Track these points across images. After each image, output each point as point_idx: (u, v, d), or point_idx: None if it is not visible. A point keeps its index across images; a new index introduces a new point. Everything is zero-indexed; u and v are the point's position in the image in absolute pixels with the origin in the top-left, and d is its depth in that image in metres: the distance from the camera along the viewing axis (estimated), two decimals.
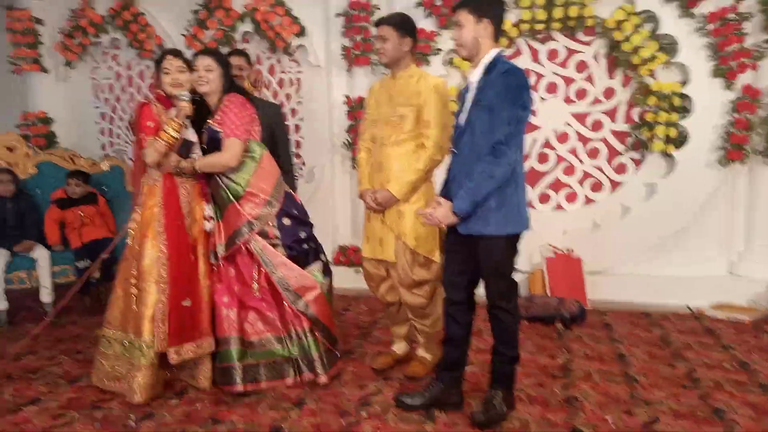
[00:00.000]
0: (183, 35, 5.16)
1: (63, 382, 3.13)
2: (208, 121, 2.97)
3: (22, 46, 5.46)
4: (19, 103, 5.67)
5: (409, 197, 2.92)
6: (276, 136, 3.54)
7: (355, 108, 4.80)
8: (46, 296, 4.27)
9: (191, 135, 2.98)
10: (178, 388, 2.99)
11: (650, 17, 4.17)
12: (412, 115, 2.90)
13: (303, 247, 3.06)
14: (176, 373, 3.04)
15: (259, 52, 5.18)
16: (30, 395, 2.96)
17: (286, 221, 3.03)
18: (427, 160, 2.88)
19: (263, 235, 2.97)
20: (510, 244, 2.48)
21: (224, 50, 5.07)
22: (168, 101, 2.98)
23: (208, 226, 3.03)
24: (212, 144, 2.95)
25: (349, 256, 4.98)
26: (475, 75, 2.49)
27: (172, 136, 2.85)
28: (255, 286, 2.98)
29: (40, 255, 4.26)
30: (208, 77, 2.94)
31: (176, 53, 3.00)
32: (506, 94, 2.34)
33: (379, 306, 4.32)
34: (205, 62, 2.95)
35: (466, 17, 2.46)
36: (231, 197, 2.96)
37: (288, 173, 3.61)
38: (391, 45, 2.91)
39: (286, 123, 3.78)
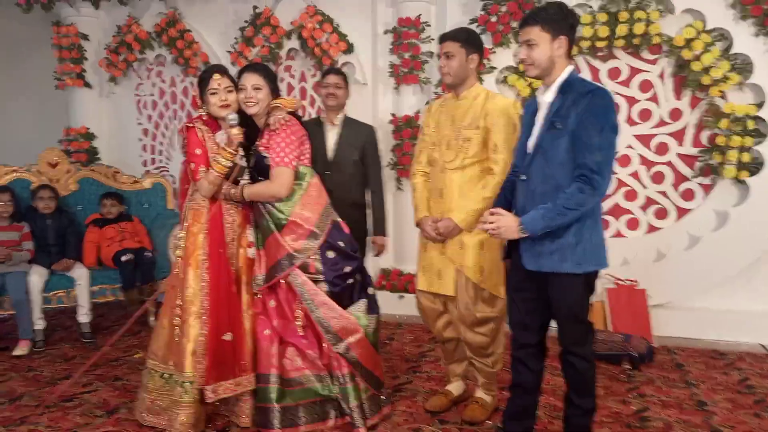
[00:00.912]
0: (229, 52, 5.07)
1: (100, 412, 2.96)
2: (256, 143, 2.76)
3: (67, 61, 5.43)
4: (62, 119, 5.64)
5: (474, 227, 2.69)
6: (366, 158, 3.43)
7: (402, 127, 4.63)
8: (83, 316, 4.16)
9: (240, 159, 2.80)
10: (221, 424, 2.81)
11: (722, 35, 3.92)
12: (477, 139, 2.69)
13: (347, 283, 2.77)
14: (218, 407, 2.86)
15: (304, 69, 5.06)
16: (66, 427, 2.80)
17: (330, 254, 2.74)
18: (495, 186, 2.64)
19: (304, 268, 2.70)
20: (587, 283, 2.24)
21: (272, 68, 5.06)
22: (214, 123, 2.80)
23: (251, 252, 2.83)
24: (259, 168, 2.74)
25: (392, 281, 4.77)
26: (549, 95, 2.25)
27: (225, 166, 2.67)
28: (299, 322, 2.74)
29: (80, 274, 4.15)
30: (257, 97, 2.70)
31: (224, 71, 2.76)
32: (594, 117, 2.10)
33: (426, 335, 4.12)
34: (253, 80, 2.71)
35: (539, 35, 2.22)
36: (273, 227, 2.71)
37: (377, 194, 3.53)
38: (457, 62, 2.70)
39: (378, 145, 3.60)
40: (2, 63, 6.07)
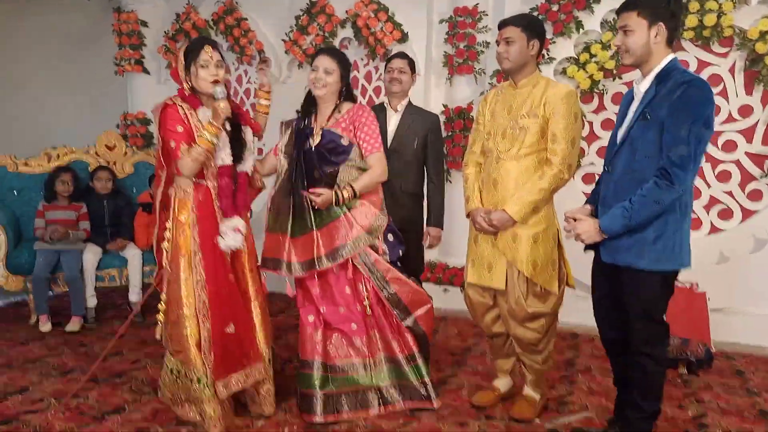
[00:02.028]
0: (283, 40, 5.08)
1: (148, 390, 3.00)
2: (326, 125, 2.76)
3: (127, 47, 5.56)
4: (120, 104, 5.78)
5: (528, 219, 2.60)
6: (427, 147, 3.34)
7: (453, 119, 4.54)
8: (134, 295, 4.25)
9: (224, 141, 2.60)
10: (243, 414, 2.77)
11: None
12: (535, 128, 2.58)
13: (400, 266, 2.84)
14: (241, 397, 2.77)
15: (357, 59, 5.03)
16: (114, 402, 2.86)
17: (390, 237, 2.82)
18: (553, 178, 2.55)
19: (374, 249, 2.76)
20: (665, 282, 2.14)
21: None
22: (196, 100, 2.59)
23: (228, 242, 2.58)
24: (328, 148, 2.73)
25: (437, 274, 4.69)
26: (644, 84, 2.16)
27: (211, 141, 2.48)
28: (366, 303, 2.76)
29: (132, 254, 4.24)
30: (327, 80, 2.71)
31: (215, 44, 2.59)
32: (686, 109, 1.99)
33: (471, 329, 4.04)
34: (326, 63, 2.72)
35: (636, 21, 2.12)
36: (344, 208, 2.72)
37: (436, 185, 3.39)
38: (518, 48, 2.59)
39: (441, 135, 3.52)
40: (65, 50, 6.27)
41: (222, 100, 2.49)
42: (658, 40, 2.10)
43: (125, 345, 3.64)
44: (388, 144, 3.38)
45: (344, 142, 2.73)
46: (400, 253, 2.85)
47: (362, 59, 5.01)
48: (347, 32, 4.92)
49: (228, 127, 2.59)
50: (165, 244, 2.58)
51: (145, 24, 5.57)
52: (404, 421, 2.69)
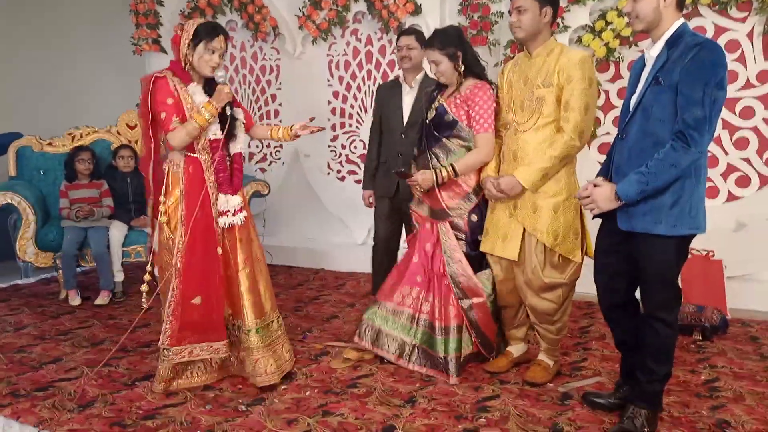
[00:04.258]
0: (297, 16, 5.10)
1: None
2: (441, 99, 2.86)
3: (144, 26, 5.62)
4: (138, 83, 5.85)
5: (539, 187, 2.62)
6: None
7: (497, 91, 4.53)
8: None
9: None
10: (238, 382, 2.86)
11: None
12: (551, 97, 2.57)
13: (479, 249, 2.88)
14: (230, 369, 2.88)
15: (370, 33, 5.04)
16: (144, 370, 2.99)
17: (474, 218, 2.87)
18: (564, 146, 2.55)
19: (456, 226, 2.87)
20: (681, 247, 2.16)
21: (338, 31, 5.07)
22: (187, 75, 2.66)
23: (222, 220, 2.71)
24: (437, 122, 2.84)
25: None
26: (655, 49, 2.15)
27: (207, 120, 2.58)
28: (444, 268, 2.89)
29: None
30: (439, 69, 2.79)
31: (227, 35, 2.68)
32: (699, 71, 1.99)
33: None
34: (432, 56, 2.79)
35: None
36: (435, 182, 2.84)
37: None
38: (530, 16, 2.57)
39: None
40: (86, 30, 6.37)
41: (225, 85, 2.63)
42: (667, 4, 2.09)
43: (152, 317, 3.76)
44: (406, 119, 3.42)
45: (448, 118, 2.81)
46: (479, 238, 2.87)
47: (376, 33, 5.01)
48: (360, 6, 4.93)
49: (228, 111, 2.70)
50: (162, 218, 2.68)
51: (160, 2, 5.61)
52: (420, 385, 2.78)
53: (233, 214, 2.74)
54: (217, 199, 2.72)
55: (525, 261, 2.70)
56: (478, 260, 2.88)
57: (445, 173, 2.79)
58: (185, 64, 2.66)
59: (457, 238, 2.87)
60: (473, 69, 2.84)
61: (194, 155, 2.68)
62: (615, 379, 2.78)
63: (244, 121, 2.86)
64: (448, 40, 2.79)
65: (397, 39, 3.48)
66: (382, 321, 2.98)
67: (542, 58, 2.63)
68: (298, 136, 2.89)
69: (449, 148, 2.84)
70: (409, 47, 3.38)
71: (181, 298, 2.64)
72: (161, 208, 2.67)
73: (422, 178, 2.82)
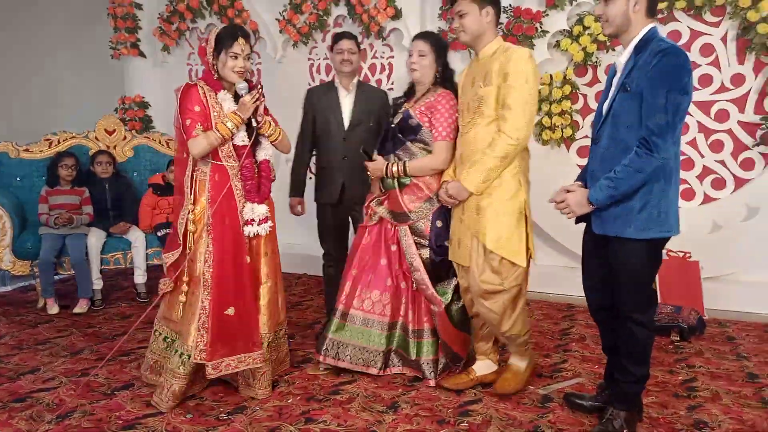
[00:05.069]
0: (277, 20, 5.09)
1: None
2: (407, 105, 2.90)
3: (122, 30, 5.57)
4: (119, 88, 5.81)
5: (484, 189, 2.53)
6: (380, 124, 3.33)
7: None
8: (139, 277, 4.34)
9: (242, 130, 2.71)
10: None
11: None
12: (491, 96, 2.50)
13: (446, 255, 2.85)
14: (234, 379, 2.80)
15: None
16: (123, 379, 2.95)
17: (439, 223, 2.85)
18: (502, 145, 2.46)
19: (417, 230, 2.85)
20: (652, 250, 2.19)
21: (318, 35, 5.06)
22: (218, 84, 2.67)
23: (248, 230, 2.69)
24: (403, 126, 2.87)
25: None
26: (624, 56, 2.19)
27: (230, 130, 2.58)
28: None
29: (136, 237, 4.31)
30: (422, 63, 2.82)
31: (248, 36, 2.65)
32: (662, 78, 2.02)
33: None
34: (419, 46, 2.82)
35: None
36: (395, 184, 2.87)
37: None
38: (471, 19, 2.53)
39: (390, 110, 3.53)
40: (63, 34, 6.29)
41: (247, 95, 2.60)
42: (637, 9, 2.13)
43: (131, 325, 3.72)
44: (347, 124, 3.39)
45: (413, 122, 2.83)
46: (445, 244, 2.84)
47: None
48: (341, 10, 4.93)
49: (253, 122, 2.69)
50: (191, 227, 2.63)
51: (139, 6, 5.57)
52: (403, 391, 2.79)
53: (258, 224, 2.71)
54: (243, 208, 2.69)
55: (471, 266, 2.62)
56: (445, 267, 2.86)
57: (395, 168, 2.82)
58: (214, 73, 2.66)
59: (420, 245, 2.85)
60: (447, 81, 2.89)
61: (220, 163, 2.65)
62: (595, 380, 2.82)
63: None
64: (441, 45, 2.89)
65: (335, 42, 3.42)
66: (351, 335, 2.91)
67: (486, 58, 2.59)
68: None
69: (412, 151, 2.86)
70: (351, 51, 3.37)
71: (214, 310, 2.57)
72: (189, 216, 2.64)
73: (373, 167, 2.88)
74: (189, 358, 2.57)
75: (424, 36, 2.90)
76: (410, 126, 2.85)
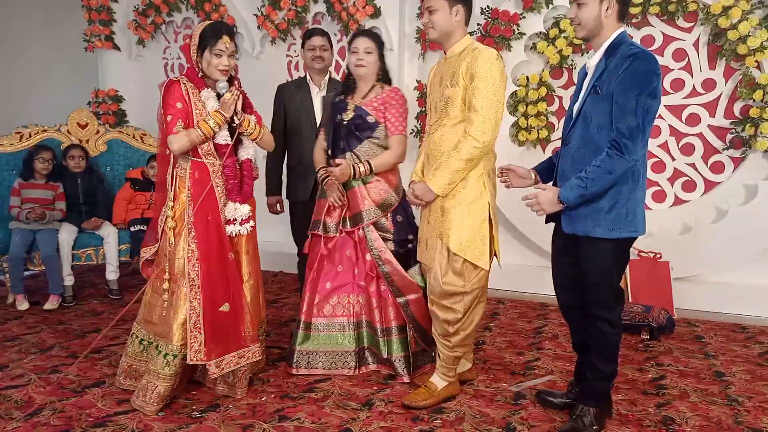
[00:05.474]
0: (255, 15, 5.06)
1: None
2: (353, 102, 2.94)
3: (96, 23, 5.48)
4: (93, 81, 5.71)
5: (449, 191, 2.51)
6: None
7: (426, 94, 4.57)
8: (111, 273, 4.29)
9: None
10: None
11: (761, 2, 3.78)
12: (458, 97, 2.48)
13: (408, 248, 2.95)
14: (209, 381, 2.74)
15: (330, 34, 5.01)
16: (94, 377, 2.91)
17: (400, 218, 2.97)
18: (467, 148, 2.43)
19: (380, 225, 2.93)
20: (620, 249, 2.23)
21: (297, 32, 5.04)
22: (201, 81, 2.62)
23: (230, 229, 2.66)
24: (356, 123, 2.90)
25: None
26: (594, 59, 2.23)
27: (212, 129, 2.55)
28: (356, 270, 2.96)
29: (108, 233, 4.25)
30: (367, 60, 2.88)
31: (232, 33, 2.61)
32: (632, 81, 2.06)
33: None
34: (365, 44, 2.88)
35: None
36: (359, 181, 2.91)
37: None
38: (441, 16, 2.48)
39: None
40: (36, 26, 6.15)
41: (227, 92, 2.59)
42: (609, 13, 2.17)
43: (103, 322, 3.68)
44: (318, 120, 3.37)
45: (371, 119, 2.88)
46: (410, 237, 2.94)
47: (335, 34, 5.00)
48: (320, 7, 4.92)
49: (235, 120, 2.65)
50: (170, 223, 2.60)
51: None
52: (377, 388, 2.80)
53: (240, 224, 2.69)
54: (225, 206, 2.66)
55: (432, 266, 2.60)
56: (406, 258, 2.92)
57: (362, 168, 2.87)
58: (198, 70, 2.63)
59: (385, 239, 2.91)
60: (387, 74, 3.02)
61: (200, 160, 2.61)
62: (567, 378, 2.86)
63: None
64: (382, 43, 2.98)
65: (307, 38, 3.42)
66: (318, 344, 2.95)
67: (454, 57, 2.56)
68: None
69: (366, 148, 2.91)
70: (323, 48, 3.38)
71: (207, 309, 2.53)
72: (169, 213, 2.61)
73: (340, 171, 2.85)
74: (174, 359, 2.53)
75: (367, 34, 2.96)
76: (368, 123, 2.89)
